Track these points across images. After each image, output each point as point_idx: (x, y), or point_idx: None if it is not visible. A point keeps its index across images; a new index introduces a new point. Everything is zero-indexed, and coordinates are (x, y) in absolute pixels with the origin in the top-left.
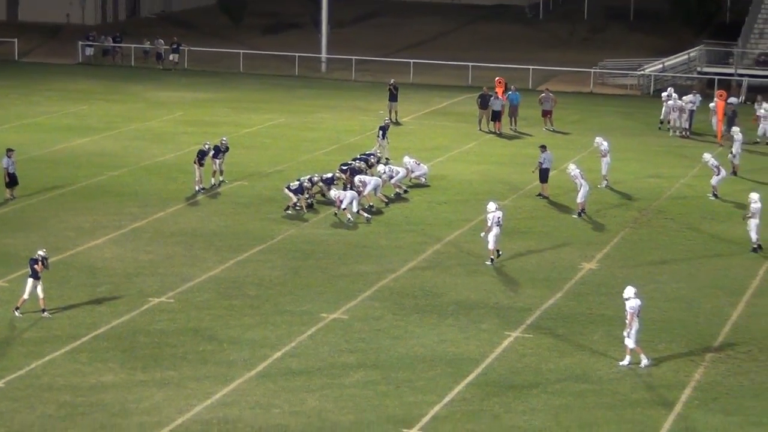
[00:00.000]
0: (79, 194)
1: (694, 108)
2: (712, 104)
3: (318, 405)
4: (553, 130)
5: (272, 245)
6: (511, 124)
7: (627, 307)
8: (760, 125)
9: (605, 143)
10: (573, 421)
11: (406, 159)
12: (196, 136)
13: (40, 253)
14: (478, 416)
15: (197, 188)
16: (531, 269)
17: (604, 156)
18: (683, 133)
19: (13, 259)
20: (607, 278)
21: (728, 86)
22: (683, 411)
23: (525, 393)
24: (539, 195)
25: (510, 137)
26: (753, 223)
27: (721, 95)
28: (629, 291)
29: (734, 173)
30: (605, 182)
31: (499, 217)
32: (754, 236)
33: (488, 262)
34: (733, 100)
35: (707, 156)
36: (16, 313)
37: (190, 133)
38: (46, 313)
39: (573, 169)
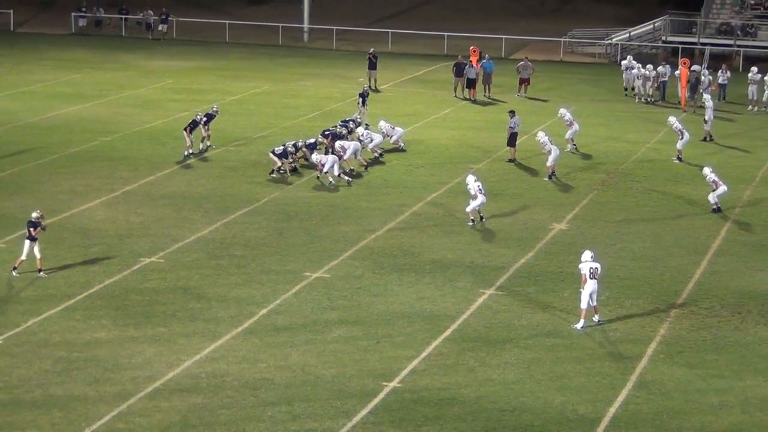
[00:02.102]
0: (73, 159)
1: (666, 79)
2: (676, 72)
3: (302, 359)
4: (527, 97)
5: (257, 207)
6: (485, 91)
7: (598, 272)
8: (749, 88)
9: (568, 113)
10: (544, 374)
11: (382, 123)
12: (185, 103)
13: (34, 214)
14: (455, 370)
15: (186, 153)
16: (504, 230)
17: (571, 125)
18: (648, 99)
19: (9, 221)
20: (576, 238)
21: (692, 55)
22: (649, 364)
23: (499, 347)
24: (510, 161)
25: (484, 104)
26: (717, 192)
27: (684, 63)
28: (585, 254)
29: (709, 139)
30: (571, 145)
31: (479, 186)
32: (713, 199)
33: (470, 224)
34: (696, 67)
35: (672, 119)
36: (14, 273)
37: (178, 101)
38: (42, 273)
39: (542, 137)
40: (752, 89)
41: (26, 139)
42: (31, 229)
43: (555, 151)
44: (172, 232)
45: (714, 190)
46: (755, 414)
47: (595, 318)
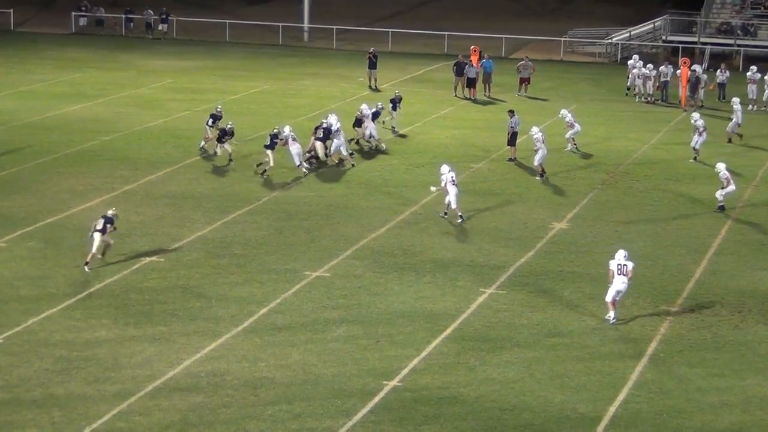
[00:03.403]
0: (73, 158)
1: (668, 79)
2: (677, 71)
3: (302, 358)
4: (527, 97)
5: (258, 207)
6: (485, 91)
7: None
8: (749, 87)
9: (569, 115)
10: (545, 373)
11: (364, 106)
12: (185, 102)
13: (111, 212)
14: (455, 369)
15: (202, 144)
16: (504, 229)
17: (572, 126)
18: (648, 98)
19: (9, 221)
20: (576, 237)
21: (692, 54)
22: (649, 363)
23: (499, 346)
24: (510, 160)
25: (484, 103)
26: (726, 190)
27: (685, 63)
28: (618, 253)
29: (734, 140)
30: (571, 145)
31: (453, 177)
32: (720, 197)
33: (458, 221)
34: (696, 67)
35: (696, 115)
36: (86, 269)
37: (178, 100)
38: (103, 258)
39: (536, 132)
40: (752, 88)
41: (26, 139)
42: (108, 225)
43: (542, 151)
44: (172, 232)
45: (723, 188)
46: (756, 413)
47: (610, 315)
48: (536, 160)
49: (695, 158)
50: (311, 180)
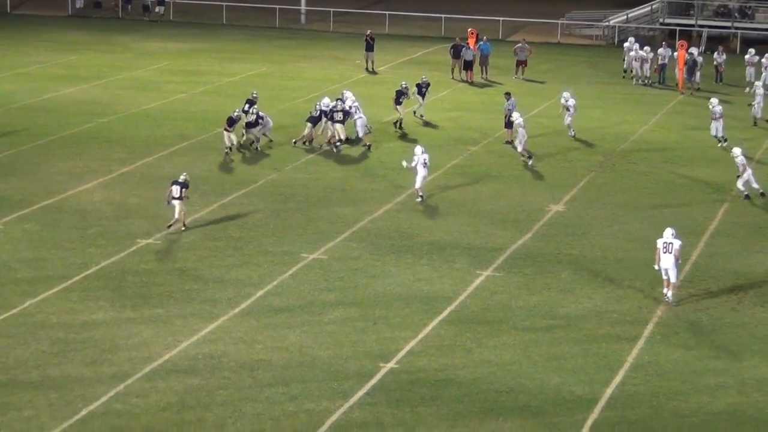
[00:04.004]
0: (70, 141)
1: (665, 61)
2: (674, 54)
3: (299, 341)
4: (524, 79)
5: (254, 189)
6: (482, 73)
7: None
8: (747, 70)
9: (572, 100)
10: (541, 355)
11: (347, 93)
12: (182, 85)
13: (183, 177)
14: (452, 351)
15: (226, 150)
16: (501, 211)
17: (569, 110)
18: (645, 81)
19: (6, 203)
20: (573, 220)
21: (689, 37)
22: (646, 345)
23: (496, 329)
24: (507, 142)
25: (481, 85)
26: (744, 178)
27: (682, 45)
28: (666, 232)
29: (755, 124)
30: (572, 131)
31: (425, 159)
32: (755, 185)
33: (418, 200)
34: (693, 50)
35: (714, 101)
36: (170, 229)
37: (175, 82)
38: (184, 228)
39: (517, 117)
40: (749, 71)
41: (23, 121)
42: (183, 190)
43: (524, 136)
44: (169, 214)
45: (739, 175)
46: (752, 395)
47: (667, 294)
48: (519, 145)
49: (722, 143)
50: (308, 162)
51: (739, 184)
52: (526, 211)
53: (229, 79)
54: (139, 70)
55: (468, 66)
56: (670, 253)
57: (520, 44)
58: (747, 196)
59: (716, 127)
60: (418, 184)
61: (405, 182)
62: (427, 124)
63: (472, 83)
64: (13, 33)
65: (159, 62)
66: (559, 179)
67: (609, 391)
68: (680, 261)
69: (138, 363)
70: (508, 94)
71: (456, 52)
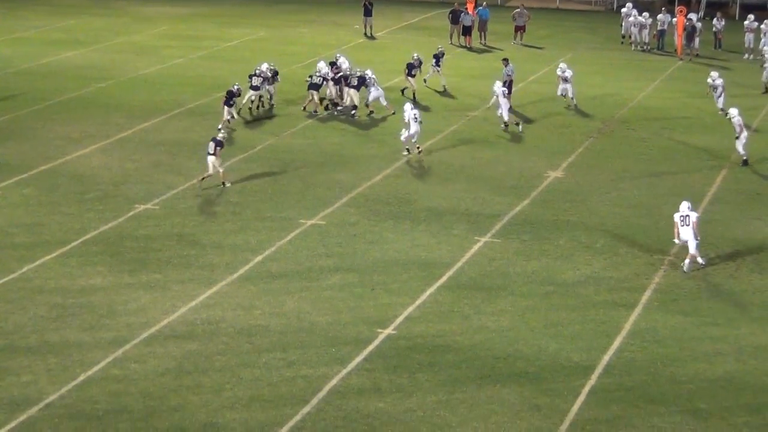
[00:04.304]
0: (68, 105)
1: (665, 27)
2: (673, 20)
3: (297, 306)
4: (522, 45)
5: (253, 154)
6: (480, 39)
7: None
8: (746, 36)
9: (569, 71)
10: (539, 322)
11: (342, 58)
12: (180, 49)
13: (221, 135)
14: (449, 317)
15: (220, 126)
16: (499, 177)
17: (567, 81)
18: (644, 47)
19: (4, 168)
20: (571, 186)
21: (688, 2)
22: (643, 312)
23: (493, 295)
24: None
25: (480, 51)
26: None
27: (681, 11)
28: (682, 205)
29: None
30: (574, 101)
31: (415, 114)
32: (741, 150)
33: (404, 152)
34: (692, 16)
35: (714, 74)
36: (199, 185)
37: (173, 47)
38: (227, 184)
39: (498, 87)
40: (749, 37)
41: (20, 86)
42: (218, 148)
43: (506, 104)
44: (167, 179)
45: (737, 137)
46: (749, 362)
47: (700, 260)
48: (503, 113)
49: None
50: (306, 128)
51: (739, 148)
52: (524, 178)
53: (228, 44)
54: (138, 34)
55: (467, 31)
56: (688, 225)
57: (518, 10)
58: (746, 161)
59: (718, 100)
60: (414, 138)
61: (403, 147)
62: (443, 92)
63: (470, 49)
64: None
65: (157, 27)
66: (557, 145)
67: (606, 357)
68: (698, 235)
69: (136, 328)
70: (506, 60)
71: (454, 18)
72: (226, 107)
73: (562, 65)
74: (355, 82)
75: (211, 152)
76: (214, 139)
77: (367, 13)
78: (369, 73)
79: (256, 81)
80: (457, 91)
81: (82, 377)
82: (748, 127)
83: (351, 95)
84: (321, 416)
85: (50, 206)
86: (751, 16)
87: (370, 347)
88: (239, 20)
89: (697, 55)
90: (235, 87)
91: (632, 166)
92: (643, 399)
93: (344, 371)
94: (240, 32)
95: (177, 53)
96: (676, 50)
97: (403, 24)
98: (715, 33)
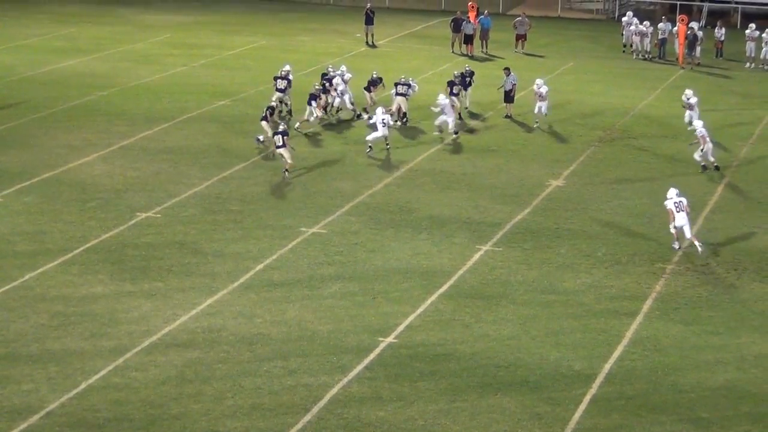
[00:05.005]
0: (70, 113)
1: (666, 36)
2: (674, 28)
3: (298, 315)
4: (524, 53)
5: (254, 162)
6: (482, 47)
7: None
8: (747, 45)
9: (545, 87)
10: (540, 330)
11: (344, 70)
12: (182, 57)
13: (282, 126)
14: (450, 325)
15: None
16: (501, 186)
17: (542, 99)
18: (645, 55)
19: (6, 176)
20: (573, 195)
21: (689, 11)
22: (644, 321)
23: (495, 303)
24: (507, 117)
25: (481, 59)
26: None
27: (682, 20)
28: (671, 192)
29: None
30: (537, 123)
31: (384, 120)
32: (711, 158)
33: (367, 150)
34: (694, 24)
35: (689, 92)
36: (287, 175)
37: (175, 55)
38: (287, 174)
39: (442, 99)
40: (750, 46)
41: (22, 93)
42: (285, 138)
43: (450, 118)
44: (168, 187)
45: (701, 147)
46: (750, 371)
47: (698, 245)
48: (450, 127)
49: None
50: (307, 136)
51: (696, 157)
52: (525, 186)
53: (229, 52)
54: (140, 42)
55: (468, 40)
56: (683, 210)
57: (519, 18)
58: (704, 167)
59: (690, 115)
60: (369, 137)
61: (404, 156)
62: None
63: (472, 57)
64: (13, 5)
65: (159, 35)
66: (558, 154)
67: (607, 366)
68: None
69: (137, 337)
70: (507, 70)
71: (456, 26)
72: (308, 106)
73: (538, 81)
74: (403, 90)
75: (280, 144)
76: (278, 133)
77: (369, 21)
78: (344, 74)
79: (281, 84)
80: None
81: (83, 385)
82: (749, 136)
83: (399, 103)
84: (322, 425)
85: (52, 214)
86: (753, 25)
87: (371, 356)
88: (241, 28)
89: (699, 63)
90: (316, 86)
91: (633, 174)
92: (644, 408)
93: (345, 380)
94: (242, 40)
95: (179, 61)
96: (677, 59)
97: (405, 32)
98: (716, 42)
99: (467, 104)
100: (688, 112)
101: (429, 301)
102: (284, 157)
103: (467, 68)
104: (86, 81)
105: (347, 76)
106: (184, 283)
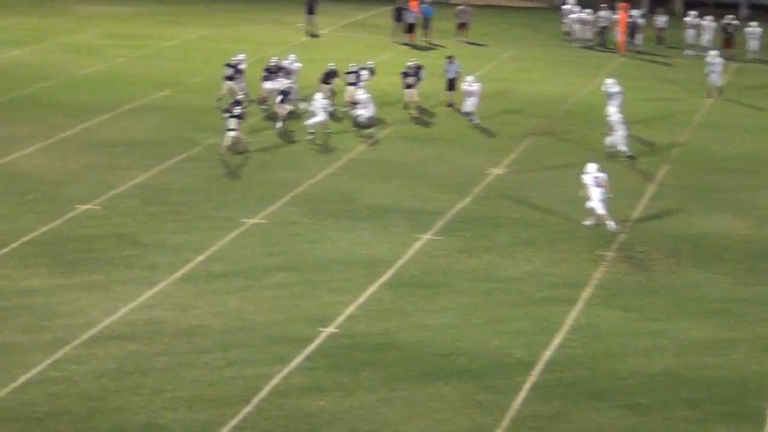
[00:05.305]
0: (9, 105)
1: (607, 24)
2: (615, 16)
3: (238, 306)
4: (466, 42)
5: (194, 154)
6: (424, 36)
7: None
8: (687, 32)
9: (476, 84)
10: (481, 319)
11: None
12: (122, 48)
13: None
14: (391, 315)
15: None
16: (441, 175)
17: (471, 95)
18: (587, 44)
19: None
20: (513, 183)
21: None
22: (584, 308)
23: (435, 292)
24: (449, 105)
25: (423, 48)
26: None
27: (623, 7)
28: (590, 167)
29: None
30: (473, 118)
31: (324, 104)
32: (623, 148)
33: (309, 136)
34: (635, 12)
35: (609, 81)
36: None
37: (115, 46)
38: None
39: (362, 94)
40: (690, 33)
41: None
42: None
43: (369, 109)
44: (108, 179)
45: (611, 135)
46: (688, 356)
47: (610, 224)
48: (364, 117)
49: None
50: (247, 126)
51: (606, 142)
52: (466, 175)
53: (169, 43)
54: (80, 33)
55: (410, 29)
56: (601, 186)
57: (461, 7)
58: (611, 155)
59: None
60: (315, 122)
61: (345, 146)
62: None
63: (414, 46)
64: None
65: (99, 26)
66: (498, 143)
67: (548, 353)
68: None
69: (76, 330)
70: (451, 58)
71: (399, 15)
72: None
73: (468, 78)
74: (352, 78)
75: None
76: (232, 116)
77: (310, 11)
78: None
79: (228, 71)
80: (399, 88)
81: (21, 379)
82: (688, 123)
83: (349, 92)
84: (262, 416)
85: None
86: (694, 12)
87: (312, 346)
88: (180, 18)
89: (640, 51)
90: (331, 66)
91: (573, 162)
92: (584, 394)
93: (286, 370)
94: (181, 31)
95: (118, 52)
96: (618, 46)
97: (347, 22)
98: (657, 29)
99: (414, 99)
100: (611, 101)
101: (369, 291)
102: (232, 139)
103: (413, 62)
104: (26, 72)
105: (296, 65)
106: (124, 275)
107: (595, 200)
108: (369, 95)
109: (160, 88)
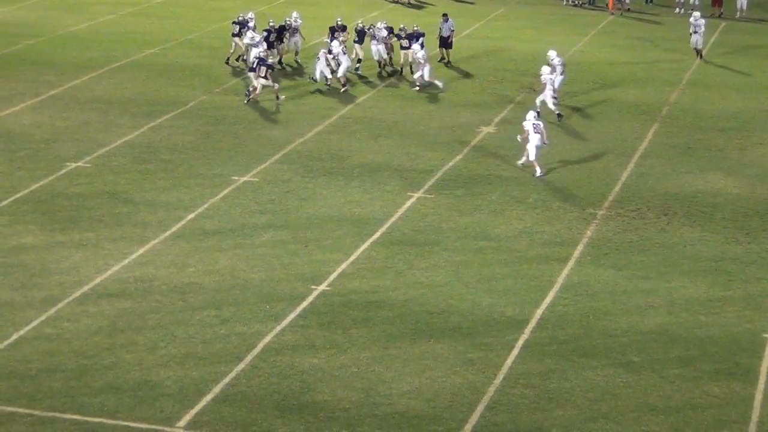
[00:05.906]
0: None
1: None
2: None
3: (230, 264)
4: (455, 0)
5: (184, 111)
6: None
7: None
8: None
9: (421, 52)
10: (472, 276)
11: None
12: (110, 6)
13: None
14: (383, 273)
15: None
16: (432, 133)
17: (423, 63)
18: (576, 2)
19: None
20: (504, 141)
21: None
22: (576, 266)
23: (427, 250)
24: (442, 61)
25: (414, 6)
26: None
27: None
28: (530, 114)
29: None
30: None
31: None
32: (552, 107)
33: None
34: None
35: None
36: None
37: (103, 3)
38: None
39: (336, 47)
40: None
41: None
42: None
43: (346, 62)
44: (98, 137)
45: (542, 93)
46: (680, 314)
47: (537, 170)
48: (340, 70)
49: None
50: (238, 85)
51: (537, 100)
52: (456, 133)
53: (157, 0)
54: None
55: None
56: (540, 133)
57: None
58: (538, 113)
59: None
60: (340, 73)
61: (336, 104)
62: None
63: (406, 4)
64: None
65: None
66: (489, 101)
67: (539, 311)
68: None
69: (68, 287)
70: (445, 16)
71: None
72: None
73: (415, 47)
74: (356, 37)
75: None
76: (261, 60)
77: None
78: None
79: (234, 28)
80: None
81: (14, 336)
82: (678, 82)
83: (356, 50)
84: (255, 373)
85: None
86: None
87: (304, 304)
88: None
89: (629, 9)
90: (360, 24)
91: (564, 120)
92: (576, 352)
93: (278, 328)
94: None
95: (106, 9)
96: (607, 5)
97: None
98: None
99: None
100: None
101: (361, 249)
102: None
103: (415, 27)
104: (13, 30)
105: (298, 22)
106: (116, 233)
107: (532, 145)
108: (342, 48)
109: (149, 46)
